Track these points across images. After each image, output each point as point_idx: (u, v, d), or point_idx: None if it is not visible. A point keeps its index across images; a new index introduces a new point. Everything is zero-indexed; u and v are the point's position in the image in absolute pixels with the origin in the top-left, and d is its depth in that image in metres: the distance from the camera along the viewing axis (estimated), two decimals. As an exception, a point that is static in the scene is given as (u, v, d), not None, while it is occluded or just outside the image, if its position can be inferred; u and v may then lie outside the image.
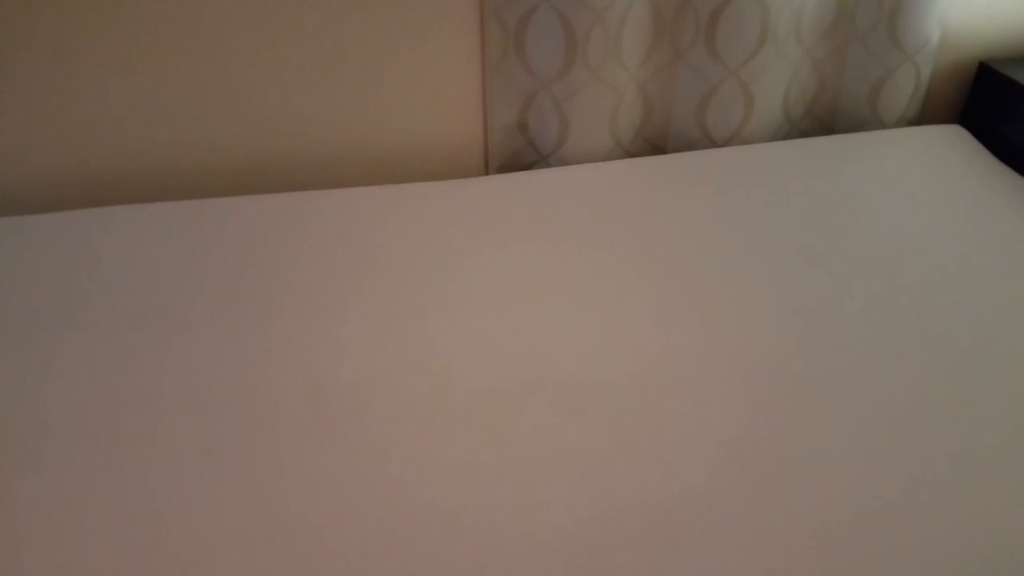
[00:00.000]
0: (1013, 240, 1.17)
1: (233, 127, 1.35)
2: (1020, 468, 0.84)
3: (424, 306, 1.05)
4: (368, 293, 1.07)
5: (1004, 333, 1.01)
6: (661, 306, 1.05)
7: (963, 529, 0.78)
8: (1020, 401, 0.92)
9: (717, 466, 0.84)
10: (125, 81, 1.27)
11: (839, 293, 1.07)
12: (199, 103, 1.31)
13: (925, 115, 1.58)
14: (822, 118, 1.52)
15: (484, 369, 0.95)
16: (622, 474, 0.83)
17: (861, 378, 0.95)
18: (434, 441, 0.86)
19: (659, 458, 0.85)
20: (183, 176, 1.38)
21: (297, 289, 1.08)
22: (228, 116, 1.34)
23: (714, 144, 1.45)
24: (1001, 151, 1.46)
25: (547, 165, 1.42)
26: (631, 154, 1.46)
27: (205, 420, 0.89)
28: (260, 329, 1.01)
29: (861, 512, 0.79)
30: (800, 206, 1.24)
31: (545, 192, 1.28)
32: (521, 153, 1.42)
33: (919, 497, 0.81)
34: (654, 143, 1.47)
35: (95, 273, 1.10)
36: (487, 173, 1.47)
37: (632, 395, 0.92)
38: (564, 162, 1.40)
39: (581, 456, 0.85)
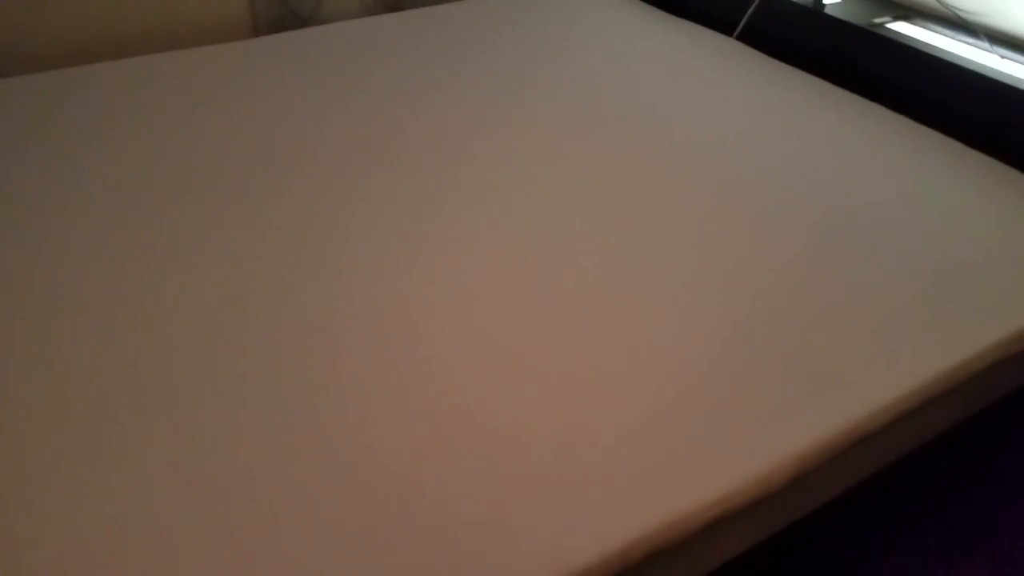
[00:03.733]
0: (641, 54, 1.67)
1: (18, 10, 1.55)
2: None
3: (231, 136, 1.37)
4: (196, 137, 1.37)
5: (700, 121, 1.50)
6: (446, 131, 1.39)
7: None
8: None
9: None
10: None
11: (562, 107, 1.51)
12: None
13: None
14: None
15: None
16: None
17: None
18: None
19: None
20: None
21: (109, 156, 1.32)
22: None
23: (437, 2, 1.85)
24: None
25: (308, 28, 1.76)
26: (374, 13, 1.83)
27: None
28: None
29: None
30: (503, 43, 1.68)
31: (308, 46, 1.62)
32: (285, 20, 1.74)
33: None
34: (391, 4, 1.85)
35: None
36: (258, 40, 1.78)
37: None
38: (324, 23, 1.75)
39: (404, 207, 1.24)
